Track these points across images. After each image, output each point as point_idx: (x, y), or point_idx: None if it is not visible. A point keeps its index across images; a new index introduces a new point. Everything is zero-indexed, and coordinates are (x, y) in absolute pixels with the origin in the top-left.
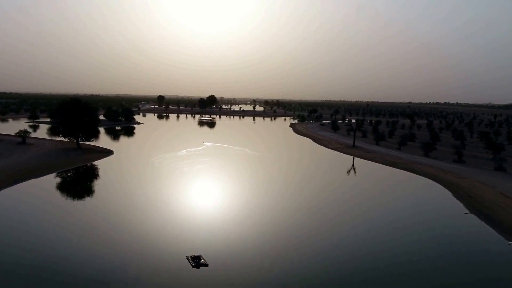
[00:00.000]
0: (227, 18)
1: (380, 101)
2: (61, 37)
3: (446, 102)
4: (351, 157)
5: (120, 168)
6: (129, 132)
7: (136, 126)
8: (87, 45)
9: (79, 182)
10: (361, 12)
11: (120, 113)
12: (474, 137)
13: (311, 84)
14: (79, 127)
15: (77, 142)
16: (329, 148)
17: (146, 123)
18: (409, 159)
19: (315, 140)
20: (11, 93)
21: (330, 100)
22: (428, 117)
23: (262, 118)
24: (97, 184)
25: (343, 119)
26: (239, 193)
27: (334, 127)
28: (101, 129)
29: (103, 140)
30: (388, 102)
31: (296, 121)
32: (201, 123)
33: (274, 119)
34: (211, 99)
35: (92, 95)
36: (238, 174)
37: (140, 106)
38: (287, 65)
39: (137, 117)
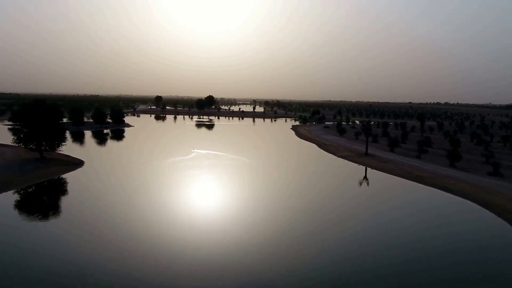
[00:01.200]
0: (228, 19)
1: (380, 101)
2: (62, 37)
3: (447, 102)
4: (366, 168)
5: (84, 186)
6: (115, 136)
7: (126, 129)
8: (88, 46)
9: (24, 207)
10: (361, 13)
11: (107, 115)
12: (494, 141)
13: (311, 85)
14: (42, 134)
15: (40, 151)
16: (338, 156)
17: (138, 125)
18: (435, 171)
19: (320, 146)
20: (10, 93)
21: (330, 100)
22: (434, 118)
23: (262, 119)
24: (47, 209)
25: (347, 121)
26: (232, 219)
27: (340, 131)
28: (87, 133)
29: (78, 148)
30: (388, 102)
31: (297, 122)
32: (196, 125)
33: (275, 120)
34: (209, 100)
35: (91, 95)
36: (230, 193)
37: (135, 107)
38: (287, 65)
39: (129, 119)
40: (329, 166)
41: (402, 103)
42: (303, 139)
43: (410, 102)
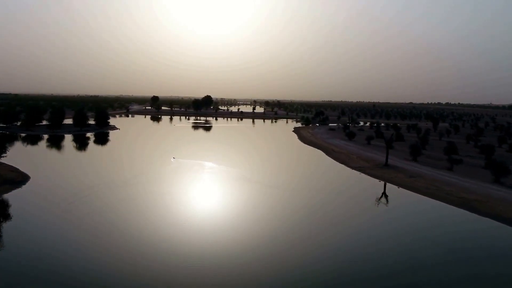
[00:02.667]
0: (229, 19)
1: (381, 101)
2: (63, 38)
3: (448, 103)
4: (391, 187)
5: (14, 213)
6: (91, 141)
7: (110, 132)
8: (90, 46)
9: None
10: (361, 13)
11: (90, 117)
12: None
13: (312, 85)
14: None
15: None
16: (351, 167)
17: (125, 128)
18: (483, 191)
19: (328, 153)
20: (9, 93)
21: (331, 100)
22: (443, 119)
23: (262, 120)
24: None
25: (352, 122)
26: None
27: (349, 134)
28: (63, 137)
29: (36, 157)
30: (389, 102)
31: (299, 124)
32: (189, 127)
33: (275, 121)
34: (207, 100)
35: (91, 96)
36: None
37: (130, 107)
38: (288, 65)
39: (119, 120)
40: (343, 182)
41: (403, 103)
42: (307, 144)
43: (411, 102)
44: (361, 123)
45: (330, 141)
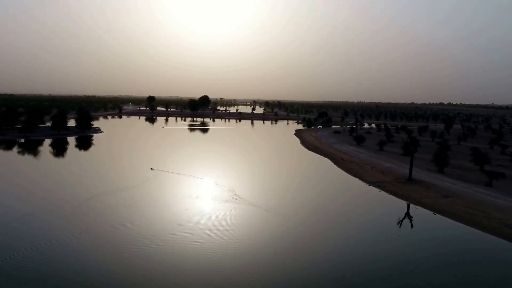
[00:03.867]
0: (229, 19)
1: (382, 101)
2: (64, 38)
3: (450, 103)
4: (422, 211)
5: None
6: (66, 147)
7: (92, 135)
8: (89, 46)
9: None
10: (362, 13)
11: (67, 119)
12: None
13: (312, 85)
14: None
15: None
16: (367, 182)
17: (110, 130)
18: None
19: (337, 162)
20: (5, 94)
21: (331, 101)
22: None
23: (262, 121)
24: None
25: (357, 123)
26: None
27: (358, 139)
28: (35, 142)
29: None
30: (390, 102)
31: (301, 126)
32: (181, 130)
33: (275, 122)
34: (204, 100)
35: (88, 96)
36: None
37: (124, 108)
38: (288, 66)
39: (105, 122)
40: (360, 203)
41: (404, 103)
42: (312, 150)
43: (412, 103)
44: (365, 125)
45: (337, 147)
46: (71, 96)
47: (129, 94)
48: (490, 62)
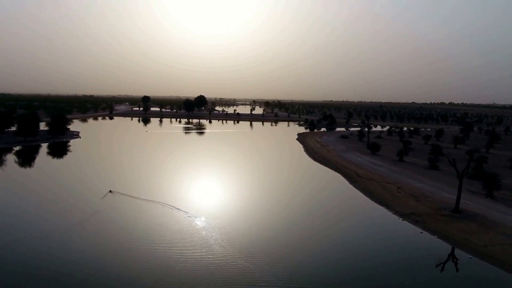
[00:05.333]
0: (230, 20)
1: (382, 101)
2: (65, 39)
3: (451, 102)
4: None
5: None
6: (21, 158)
7: (67, 141)
8: (91, 47)
9: None
10: (362, 13)
11: (38, 123)
12: None
13: (312, 85)
14: None
15: None
16: (399, 214)
17: (89, 134)
18: None
19: (353, 179)
20: (3, 93)
21: (332, 100)
22: (458, 121)
23: (261, 123)
24: None
25: (364, 124)
26: None
27: (372, 147)
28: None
29: None
30: (391, 102)
31: (302, 128)
32: (166, 135)
33: (275, 124)
34: (200, 100)
35: (86, 95)
36: None
37: (116, 108)
38: (289, 65)
39: (90, 124)
40: (396, 254)
41: (405, 103)
42: (319, 161)
43: (413, 102)
44: (372, 127)
45: (348, 157)
46: (68, 96)
47: (129, 94)
48: (490, 62)
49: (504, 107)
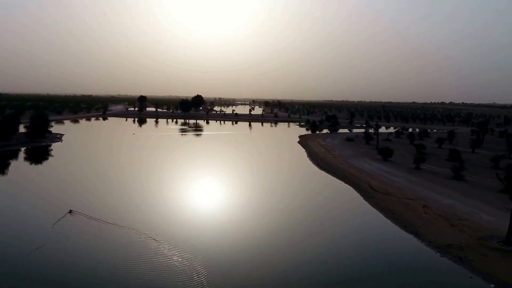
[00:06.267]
0: (230, 20)
1: (382, 100)
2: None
3: (452, 102)
4: None
5: None
6: None
7: (46, 145)
8: (90, 46)
9: None
10: (362, 13)
11: (15, 125)
12: None
13: (312, 84)
14: None
15: None
16: (432, 245)
17: (73, 137)
18: None
19: (366, 194)
20: (1, 93)
21: (332, 100)
22: (465, 122)
23: (261, 124)
24: None
25: (368, 126)
26: None
27: (384, 152)
28: None
29: None
30: (391, 102)
31: (303, 129)
32: (154, 138)
33: (275, 125)
34: (197, 100)
35: (84, 95)
36: None
37: (110, 108)
38: (289, 65)
39: (79, 126)
40: None
41: (405, 102)
42: (324, 169)
43: (414, 102)
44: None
45: (358, 164)
46: (66, 96)
47: (129, 94)
48: (491, 61)
49: (505, 106)
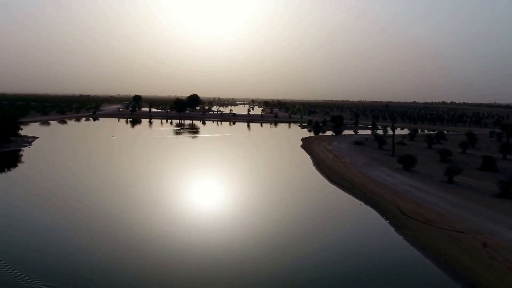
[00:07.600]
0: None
1: (383, 100)
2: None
3: (453, 102)
4: None
5: None
6: None
7: (17, 150)
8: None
9: None
10: (362, 13)
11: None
12: None
13: (312, 84)
14: None
15: None
16: None
17: (45, 142)
18: None
19: (395, 218)
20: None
21: (332, 100)
22: (472, 123)
23: (260, 124)
24: None
25: (375, 127)
26: None
27: (406, 161)
28: None
29: None
30: (392, 101)
31: (305, 130)
32: (140, 140)
33: (275, 125)
34: (193, 99)
35: (82, 95)
36: None
37: (101, 108)
38: (288, 65)
39: (61, 127)
40: None
41: (406, 102)
42: (336, 182)
43: (414, 102)
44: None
45: (376, 176)
46: (63, 95)
47: (129, 94)
48: (490, 61)
49: (507, 106)
